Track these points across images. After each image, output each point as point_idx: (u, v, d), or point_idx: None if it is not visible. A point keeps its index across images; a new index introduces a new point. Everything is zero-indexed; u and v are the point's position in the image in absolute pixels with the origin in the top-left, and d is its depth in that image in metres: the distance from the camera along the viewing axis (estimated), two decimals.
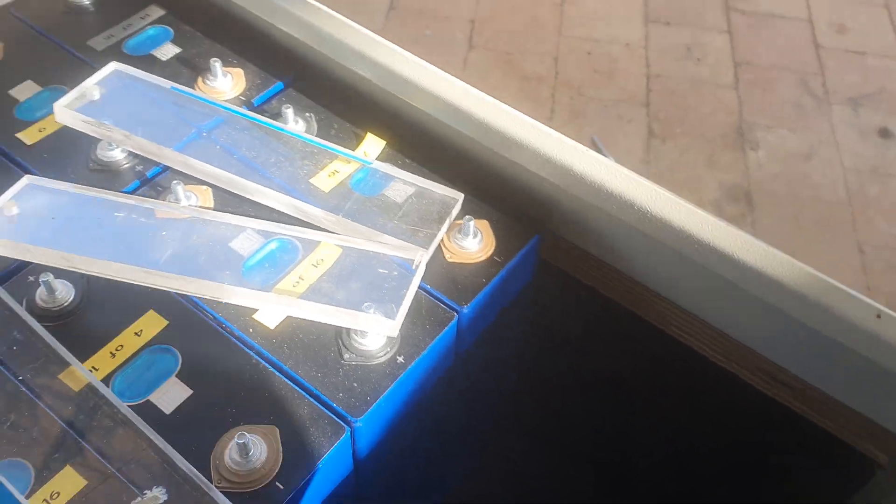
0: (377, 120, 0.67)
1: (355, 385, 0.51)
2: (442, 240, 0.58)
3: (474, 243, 0.59)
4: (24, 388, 0.49)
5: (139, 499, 0.44)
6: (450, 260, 0.58)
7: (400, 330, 0.53)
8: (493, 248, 0.59)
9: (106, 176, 0.61)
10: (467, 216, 0.59)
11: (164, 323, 0.54)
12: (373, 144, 0.64)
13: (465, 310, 0.56)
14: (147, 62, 0.70)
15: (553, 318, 0.72)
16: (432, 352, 0.54)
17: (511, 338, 0.69)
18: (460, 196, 0.61)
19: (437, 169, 0.63)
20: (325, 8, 0.68)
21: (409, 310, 0.54)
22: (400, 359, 0.53)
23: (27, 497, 0.45)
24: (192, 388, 0.51)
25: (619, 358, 0.71)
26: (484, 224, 0.60)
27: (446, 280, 0.57)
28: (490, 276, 0.58)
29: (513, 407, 0.81)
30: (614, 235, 0.60)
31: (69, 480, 0.46)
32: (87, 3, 0.74)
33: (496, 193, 0.63)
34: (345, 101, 0.69)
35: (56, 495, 0.45)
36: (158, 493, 0.45)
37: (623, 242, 0.60)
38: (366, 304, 0.51)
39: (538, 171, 0.60)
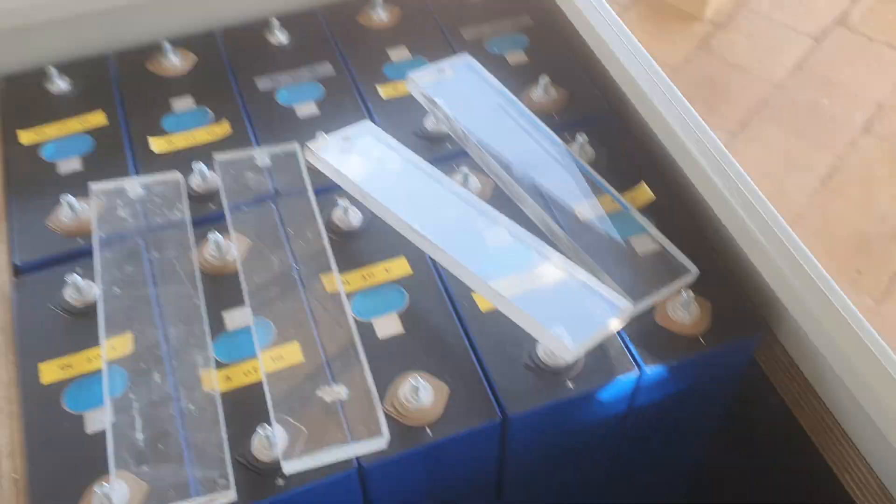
0: (654, 174, 0.72)
1: (525, 388, 0.59)
2: (658, 300, 0.63)
3: (686, 316, 0.62)
4: (296, 276, 0.64)
5: (328, 387, 0.57)
6: (656, 320, 0.62)
7: (581, 361, 0.59)
8: (704, 328, 0.62)
9: (423, 144, 0.74)
10: (692, 290, 0.62)
11: (409, 272, 0.65)
12: (641, 194, 0.70)
13: (647, 371, 0.60)
14: (497, 62, 0.82)
15: (735, 413, 0.72)
16: (602, 392, 0.59)
17: (686, 416, 0.71)
18: (694, 271, 0.64)
19: (686, 234, 0.67)
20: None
21: (596, 347, 0.59)
22: (570, 384, 0.59)
23: (262, 350, 0.59)
24: (404, 329, 0.62)
25: (779, 482, 0.70)
26: (706, 304, 0.63)
27: (644, 336, 0.61)
28: (687, 352, 0.61)
29: (662, 478, 0.82)
30: (835, 371, 0.59)
31: (293, 352, 0.59)
32: None
33: (732, 279, 0.65)
34: (637, 147, 0.75)
35: (280, 358, 0.59)
36: (341, 390, 0.56)
37: (839, 381, 0.59)
38: (557, 325, 0.58)
39: (774, 277, 0.61)
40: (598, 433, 0.65)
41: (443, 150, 0.74)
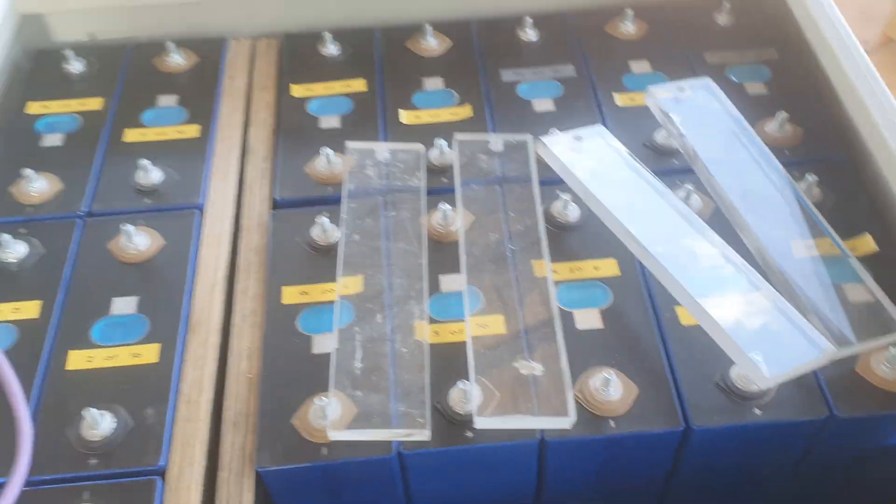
0: (881, 226, 0.71)
1: (712, 405, 0.61)
2: (863, 351, 0.62)
3: (890, 372, 0.61)
4: (510, 256, 0.69)
5: (525, 361, 0.62)
6: (856, 370, 0.62)
7: (772, 391, 0.60)
8: None
9: (650, 155, 0.77)
10: None
11: (617, 273, 0.69)
12: (864, 244, 0.69)
13: (837, 416, 0.60)
14: (736, 90, 0.83)
15: None
16: (787, 426, 0.60)
17: (867, 474, 0.69)
18: None
19: None
20: None
21: (789, 382, 0.60)
22: (757, 411, 0.60)
23: (470, 316, 0.65)
24: (603, 324, 0.66)
25: None
26: None
27: (841, 382, 0.61)
28: (883, 407, 0.60)
29: None
30: None
31: (496, 323, 0.65)
32: (724, 22, 0.90)
33: None
34: (867, 195, 0.74)
35: (484, 326, 0.64)
36: (537, 366, 0.61)
37: None
38: (757, 351, 0.59)
39: None
40: (772, 465, 0.66)
41: (669, 165, 0.77)
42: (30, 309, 0.67)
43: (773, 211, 0.70)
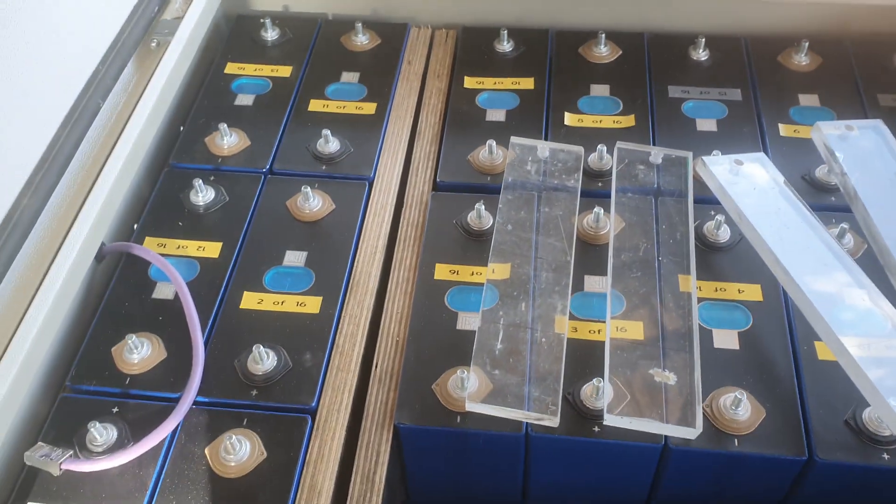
0: None
1: (839, 441, 0.61)
2: None
3: None
4: (656, 267, 0.71)
5: (659, 370, 0.64)
6: None
7: None
8: None
9: (808, 189, 0.78)
10: None
11: (760, 299, 0.70)
12: None
13: None
14: None
15: None
16: None
17: None
18: None
19: None
20: None
21: None
22: (885, 456, 0.61)
23: (611, 318, 0.68)
24: (740, 347, 0.67)
25: None
26: None
27: None
28: None
29: None
30: None
31: (635, 329, 0.67)
32: None
33: None
34: None
35: (623, 330, 0.67)
36: (672, 376, 0.64)
37: None
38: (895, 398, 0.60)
39: None
40: None
41: (826, 201, 0.77)
42: (212, 249, 0.75)
43: None
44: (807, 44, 0.90)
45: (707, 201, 0.77)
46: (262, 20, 0.96)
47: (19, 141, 0.69)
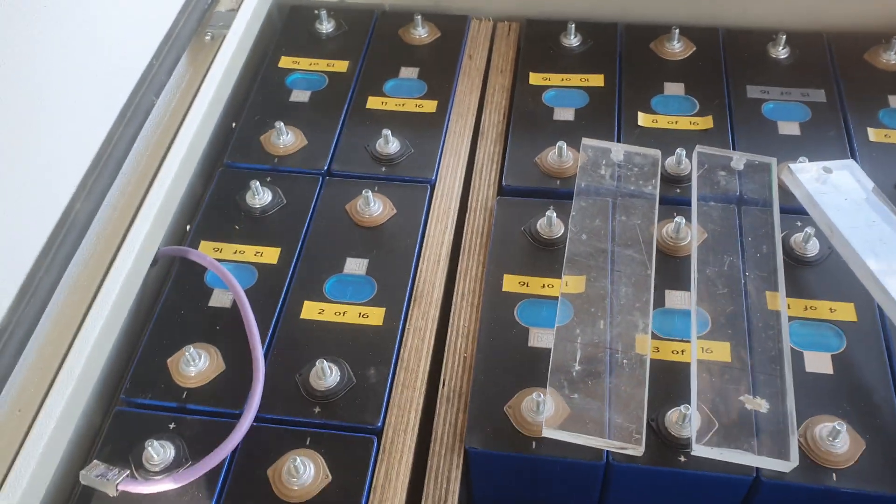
0: None
1: None
2: None
3: None
4: (743, 283, 0.67)
5: (750, 396, 0.60)
6: None
7: None
8: None
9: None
10: None
11: (854, 318, 0.65)
12: None
13: None
14: None
15: None
16: None
17: None
18: None
19: None
20: None
21: None
22: None
23: (696, 338, 0.64)
24: (834, 371, 0.63)
25: None
26: None
27: None
28: None
29: None
30: None
31: (722, 350, 0.63)
32: None
33: None
34: None
35: (709, 351, 0.63)
36: (764, 403, 0.59)
37: None
38: None
39: None
40: None
41: None
42: (270, 254, 0.72)
43: None
44: None
45: (791, 211, 0.72)
46: (316, 11, 0.92)
47: (72, 141, 0.66)
